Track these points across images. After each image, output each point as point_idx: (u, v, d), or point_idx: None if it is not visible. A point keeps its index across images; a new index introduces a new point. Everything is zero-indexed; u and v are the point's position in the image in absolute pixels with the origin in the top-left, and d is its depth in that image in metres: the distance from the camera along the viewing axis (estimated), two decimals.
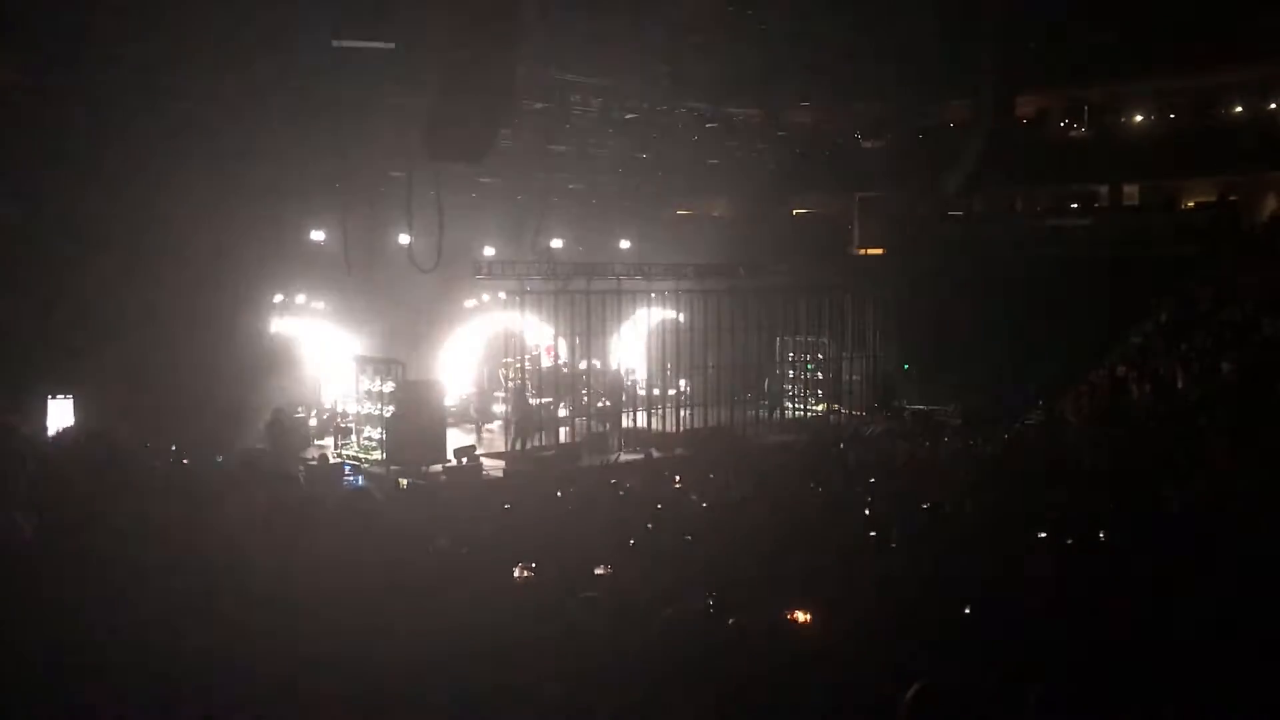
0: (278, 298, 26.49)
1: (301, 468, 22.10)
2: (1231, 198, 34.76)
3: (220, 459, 20.95)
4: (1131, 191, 37.29)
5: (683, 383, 29.77)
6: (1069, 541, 12.55)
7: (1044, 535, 12.64)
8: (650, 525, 14.20)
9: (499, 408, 25.69)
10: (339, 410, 26.46)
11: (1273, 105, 33.99)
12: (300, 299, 27.00)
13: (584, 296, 26.40)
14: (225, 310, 23.92)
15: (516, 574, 10.74)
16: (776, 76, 29.49)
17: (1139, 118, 37.13)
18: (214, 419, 22.56)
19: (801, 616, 8.23)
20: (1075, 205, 37.54)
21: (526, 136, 28.06)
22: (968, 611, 8.70)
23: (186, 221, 22.21)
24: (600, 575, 11.04)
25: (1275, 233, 31.44)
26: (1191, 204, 36.11)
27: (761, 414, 29.74)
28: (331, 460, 23.05)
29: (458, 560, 11.50)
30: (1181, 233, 34.89)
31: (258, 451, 23.48)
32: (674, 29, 25.70)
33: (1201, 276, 31.66)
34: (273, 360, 25.42)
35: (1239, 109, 34.67)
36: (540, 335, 28.50)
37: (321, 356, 27.40)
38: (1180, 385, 26.98)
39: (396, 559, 10.38)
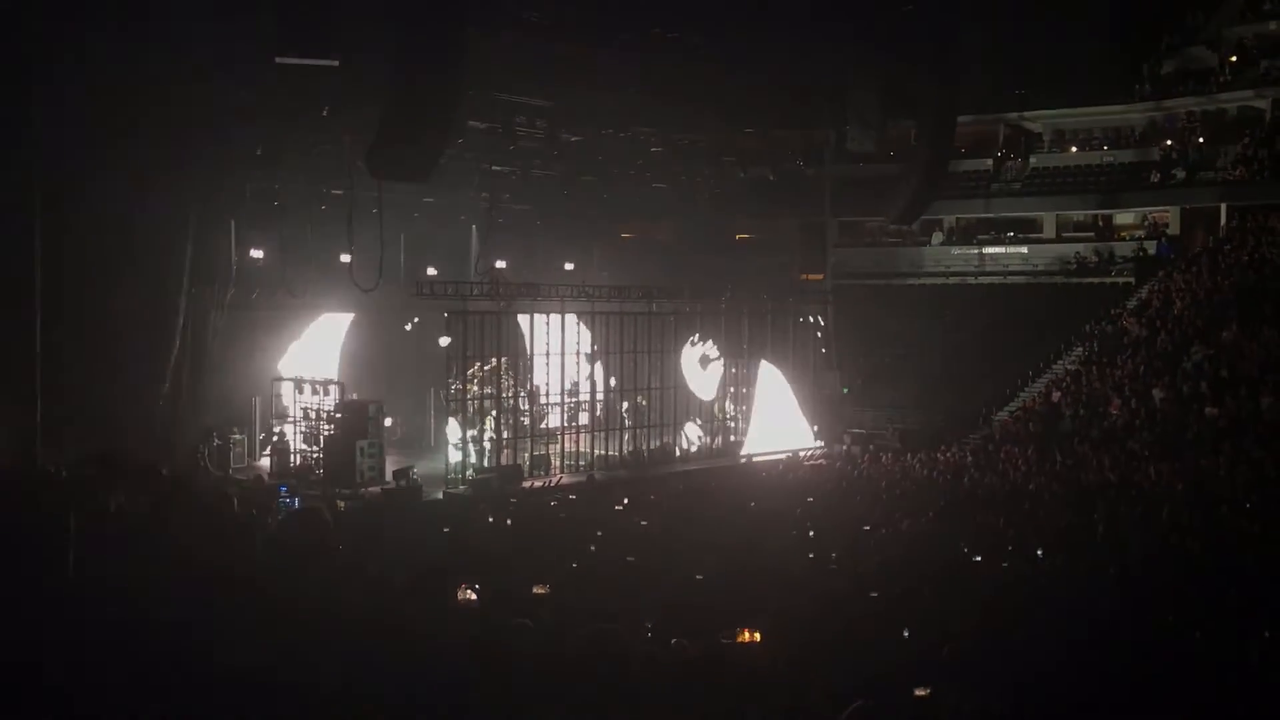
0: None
1: (235, 488, 21.82)
2: (1165, 228, 35.71)
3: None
4: (1067, 222, 38.16)
5: (625, 405, 29.80)
6: (1005, 565, 12.80)
7: (979, 559, 12.87)
8: (592, 547, 14.24)
9: (454, 429, 25.49)
10: (276, 430, 26.14)
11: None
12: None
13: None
14: (159, 332, 23.51)
15: (459, 596, 10.70)
16: (723, 103, 29.75)
17: (1074, 148, 38.14)
18: (147, 436, 22.13)
19: (748, 636, 8.31)
20: (1012, 233, 38.31)
21: (471, 156, 27.99)
22: (906, 635, 8.86)
23: (119, 233, 21.78)
24: (539, 594, 11.04)
25: (1206, 261, 32.33)
26: (1124, 234, 37.03)
27: (703, 437, 29.85)
28: (267, 481, 22.77)
29: (395, 585, 11.43)
30: (1114, 261, 35.79)
31: (193, 472, 23.13)
32: (623, 55, 25.85)
33: (1134, 304, 32.50)
34: (208, 378, 25.02)
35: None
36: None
37: (258, 374, 27.03)
38: (1114, 410, 27.63)
39: (339, 582, 10.30)
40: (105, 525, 13.28)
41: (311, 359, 27.62)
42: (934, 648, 8.62)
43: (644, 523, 16.50)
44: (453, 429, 25.21)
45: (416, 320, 27.14)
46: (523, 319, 27.22)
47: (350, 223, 23.28)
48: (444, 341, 24.72)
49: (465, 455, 24.78)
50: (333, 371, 26.67)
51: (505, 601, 10.68)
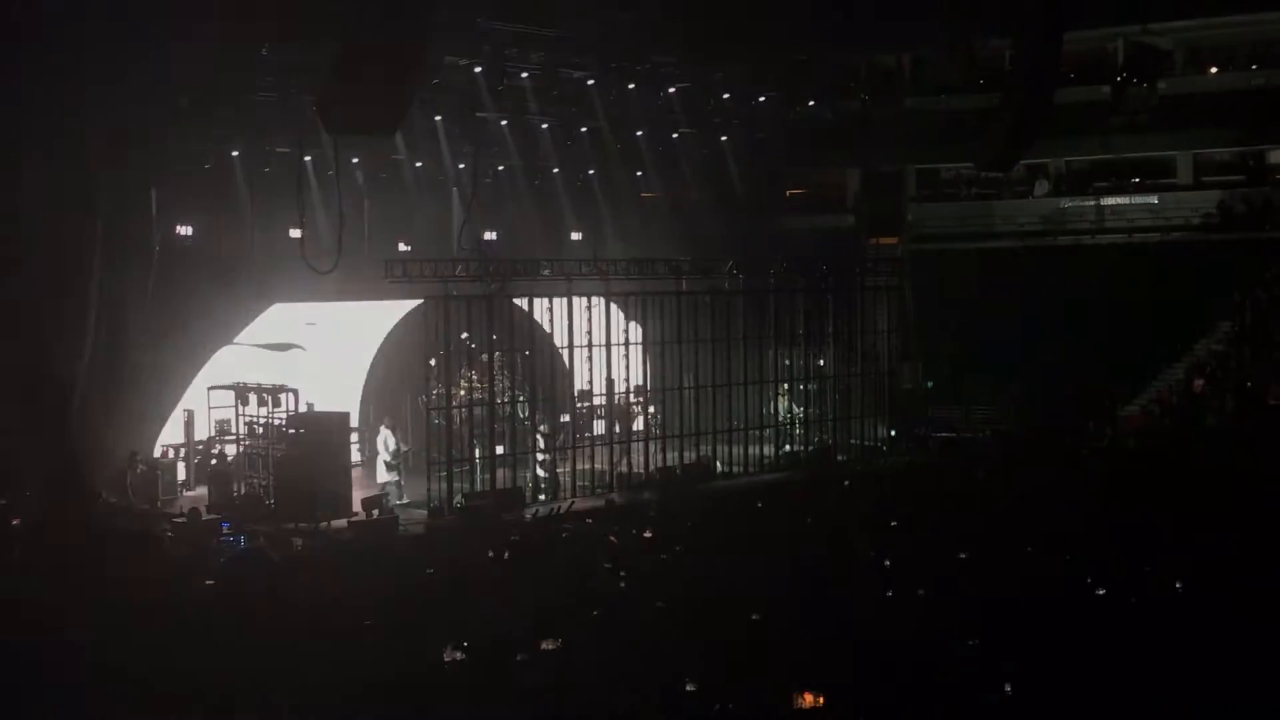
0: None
1: (167, 525, 21.97)
2: None
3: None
4: (1208, 163, 37.83)
5: (652, 409, 29.82)
6: (1134, 600, 12.72)
7: (1102, 592, 12.82)
8: (620, 584, 14.28)
9: (388, 442, 25.80)
10: (215, 451, 26.32)
11: None
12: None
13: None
14: (67, 324, 23.73)
15: (446, 655, 10.77)
16: (763, 19, 29.61)
17: (1214, 69, 37.81)
18: (54, 460, 22.35)
19: (810, 700, 8.30)
20: (1138, 179, 38.05)
21: (449, 102, 28.02)
22: (1008, 689, 8.83)
23: (7, 208, 21.93)
24: (548, 651, 11.09)
25: None
26: None
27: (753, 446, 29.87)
28: (205, 516, 22.94)
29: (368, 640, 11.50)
30: (1269, 211, 35.48)
31: (113, 506, 23.30)
32: None
33: None
34: (129, 387, 25.25)
35: None
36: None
37: (191, 382, 27.24)
38: (1273, 400, 27.44)
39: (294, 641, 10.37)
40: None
41: (258, 361, 27.80)
42: (1045, 707, 8.59)
43: (664, 557, 16.53)
44: (386, 441, 25.68)
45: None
46: (519, 303, 27.31)
47: (300, 189, 23.32)
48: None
49: (400, 474, 25.56)
50: (287, 376, 26.82)
51: (505, 660, 10.73)
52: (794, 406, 31.33)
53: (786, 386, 31.39)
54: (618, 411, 28.85)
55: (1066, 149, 37.84)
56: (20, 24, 20.34)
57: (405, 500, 25.18)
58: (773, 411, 31.13)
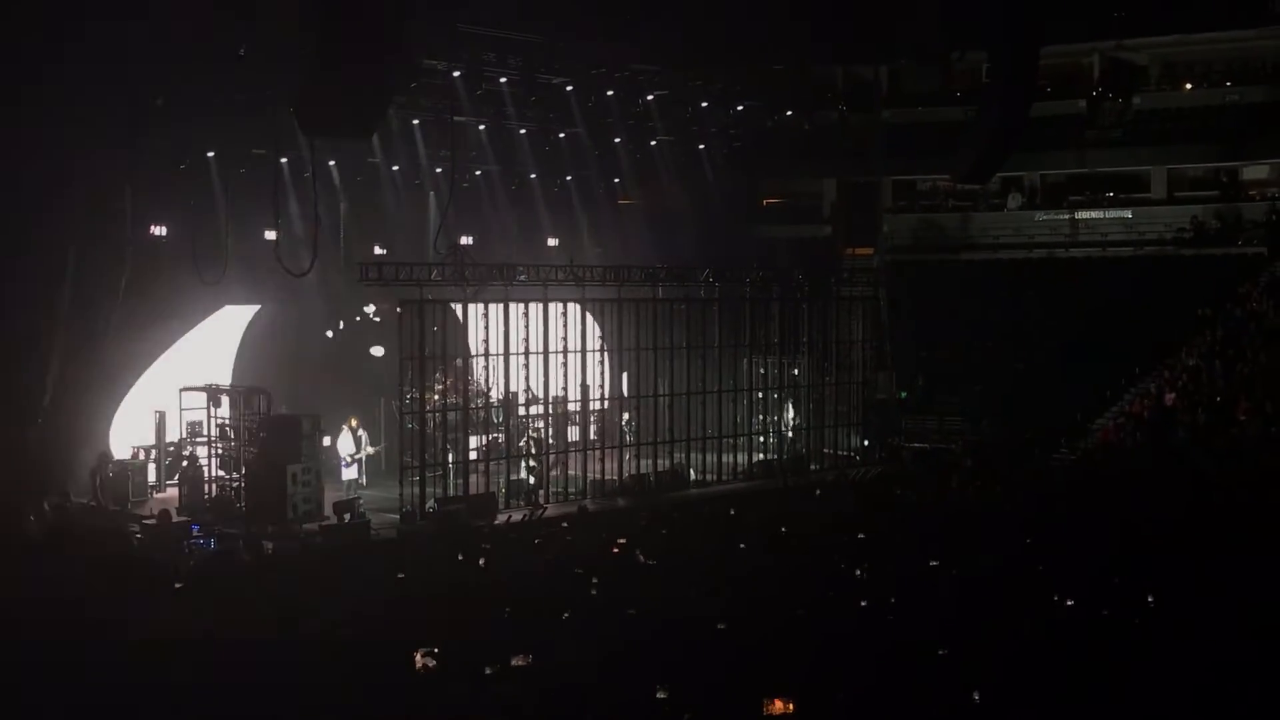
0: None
1: (137, 527, 21.87)
2: None
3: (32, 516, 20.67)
4: (1181, 178, 38.06)
5: (626, 416, 29.81)
6: (1105, 613, 12.80)
7: (1071, 603, 12.89)
8: (592, 591, 14.28)
9: (346, 443, 25.87)
10: (185, 452, 26.19)
11: None
12: None
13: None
14: (37, 325, 23.59)
15: (417, 662, 10.75)
16: (744, 32, 29.69)
17: (1189, 85, 38.03)
18: (21, 461, 22.21)
19: (780, 707, 8.33)
20: (1112, 193, 38.25)
21: (427, 106, 28.01)
22: (977, 698, 8.89)
23: None
24: (519, 666, 11.06)
25: None
26: (1254, 193, 36.94)
27: (727, 455, 29.89)
28: (175, 518, 22.84)
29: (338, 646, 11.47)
30: (1241, 227, 35.71)
31: (80, 506, 23.19)
32: None
33: (1267, 281, 32.44)
34: (100, 388, 25.12)
35: None
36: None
37: (164, 383, 27.12)
38: (1243, 415, 27.59)
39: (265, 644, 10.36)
40: None
41: (230, 363, 27.71)
42: (1013, 714, 8.64)
43: (651, 561, 16.53)
44: (345, 442, 25.80)
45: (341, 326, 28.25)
46: (495, 308, 27.30)
47: (276, 191, 23.31)
48: (377, 352, 25.06)
49: (360, 475, 25.98)
50: (257, 378, 26.77)
51: (474, 671, 10.73)
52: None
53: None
54: (592, 418, 28.88)
55: (1042, 162, 38.07)
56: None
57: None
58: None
